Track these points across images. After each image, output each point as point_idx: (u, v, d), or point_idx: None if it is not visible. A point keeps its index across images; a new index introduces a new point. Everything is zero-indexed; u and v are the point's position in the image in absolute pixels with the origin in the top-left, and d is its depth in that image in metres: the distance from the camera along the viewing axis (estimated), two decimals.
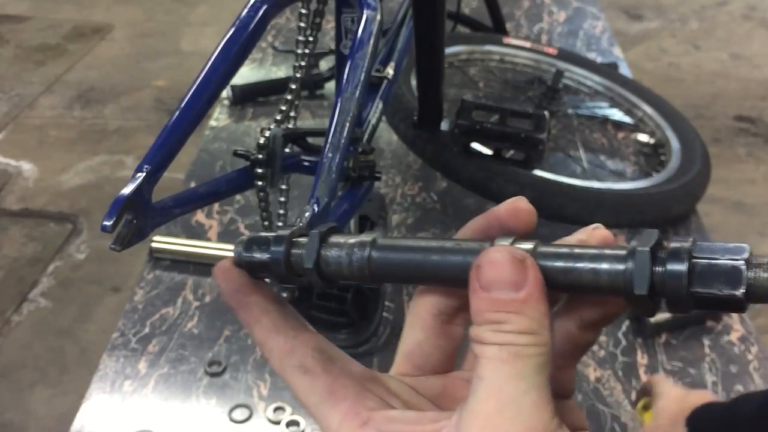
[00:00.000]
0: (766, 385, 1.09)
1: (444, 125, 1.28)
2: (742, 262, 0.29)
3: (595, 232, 0.35)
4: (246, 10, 0.75)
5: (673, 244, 0.31)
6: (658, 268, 0.30)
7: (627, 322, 1.17)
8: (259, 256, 0.39)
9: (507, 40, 1.74)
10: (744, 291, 0.29)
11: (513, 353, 0.30)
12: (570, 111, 1.64)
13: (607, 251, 0.32)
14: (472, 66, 1.73)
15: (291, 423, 1.01)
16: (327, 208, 0.92)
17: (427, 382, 0.38)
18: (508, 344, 0.30)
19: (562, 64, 1.68)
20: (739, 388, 1.08)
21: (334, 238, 0.37)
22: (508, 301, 0.30)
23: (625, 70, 1.85)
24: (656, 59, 3.31)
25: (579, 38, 2.04)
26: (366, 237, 0.36)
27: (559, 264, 0.32)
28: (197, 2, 3.84)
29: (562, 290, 0.33)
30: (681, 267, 0.30)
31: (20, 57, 3.40)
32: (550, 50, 1.72)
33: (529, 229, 0.35)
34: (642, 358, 1.11)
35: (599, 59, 1.89)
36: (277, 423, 1.01)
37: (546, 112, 1.17)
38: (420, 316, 0.38)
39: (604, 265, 0.31)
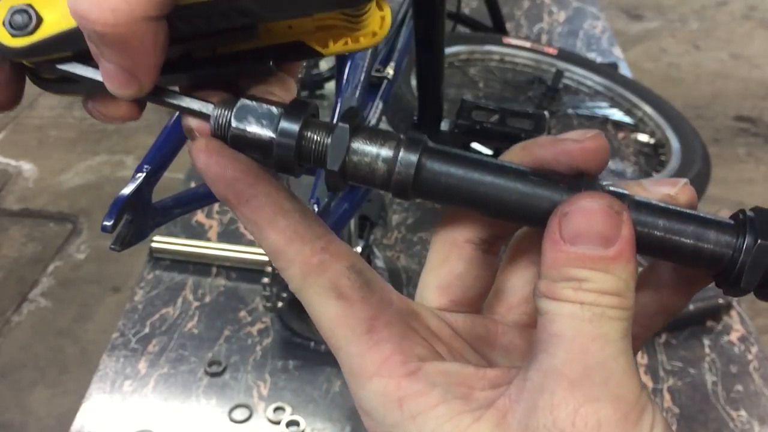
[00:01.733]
0: (766, 385, 1.09)
1: (444, 125, 1.28)
2: None
3: (685, 189, 0.30)
4: None
5: None
6: None
7: None
8: (258, 131, 0.28)
9: (507, 40, 1.74)
10: None
11: (597, 314, 0.26)
12: (570, 111, 1.64)
13: (711, 217, 0.28)
14: (472, 66, 1.73)
15: (291, 423, 1.01)
16: (327, 208, 0.92)
17: (466, 322, 0.33)
18: (592, 304, 0.26)
19: (562, 64, 1.68)
20: (739, 388, 1.08)
21: (366, 128, 0.29)
22: (595, 258, 0.26)
23: (625, 70, 1.85)
24: (656, 59, 3.31)
25: (579, 38, 2.04)
26: (414, 136, 0.29)
27: (661, 223, 0.28)
28: None
29: (653, 253, 0.28)
30: None
31: None
32: (550, 50, 1.72)
33: (602, 170, 0.30)
34: (642, 358, 1.11)
35: (599, 59, 1.89)
36: (277, 423, 1.01)
37: (546, 112, 1.17)
38: (457, 245, 0.33)
39: (711, 233, 0.28)
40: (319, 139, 0.28)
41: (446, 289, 0.33)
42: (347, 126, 0.28)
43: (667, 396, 1.06)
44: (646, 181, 0.30)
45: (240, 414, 1.02)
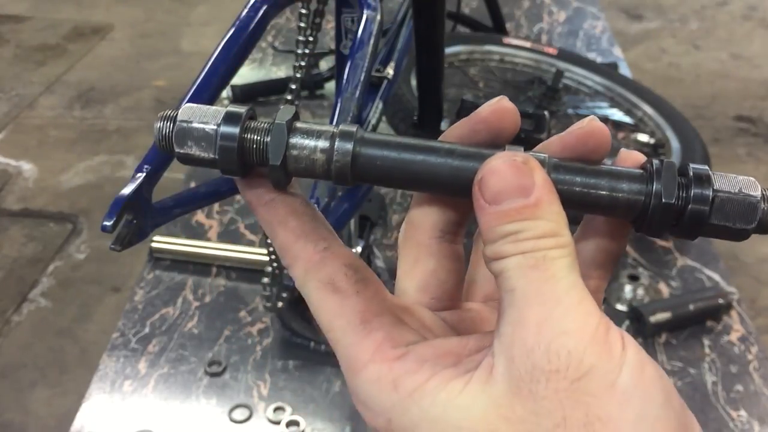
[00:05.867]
0: (766, 385, 1.09)
1: (444, 125, 1.28)
2: (758, 198, 0.30)
3: (592, 122, 0.32)
4: (246, 10, 0.75)
5: (695, 170, 0.30)
6: (681, 192, 0.30)
7: (627, 322, 1.17)
8: (200, 125, 0.31)
9: (507, 40, 1.73)
10: (755, 225, 0.30)
11: (540, 257, 0.28)
12: (570, 111, 1.63)
13: (624, 170, 0.31)
14: (472, 66, 1.73)
15: (291, 423, 1.01)
16: (327, 208, 0.92)
17: (453, 317, 0.35)
18: (532, 251, 0.28)
19: (562, 64, 1.68)
20: (739, 388, 1.08)
21: (301, 125, 0.31)
22: (520, 209, 0.28)
23: (625, 70, 1.84)
24: (656, 59, 3.31)
25: (579, 38, 2.04)
26: (346, 127, 0.31)
27: (578, 179, 0.30)
28: (197, 2, 3.84)
29: (574, 208, 0.31)
30: (706, 198, 0.29)
31: (20, 57, 3.40)
32: (550, 50, 1.72)
33: (516, 128, 0.32)
34: None
35: (599, 59, 1.89)
36: (277, 423, 1.01)
37: (546, 112, 1.17)
38: (423, 243, 0.34)
39: (624, 184, 0.30)
40: (259, 138, 0.31)
41: (425, 289, 0.35)
42: (284, 122, 0.30)
43: None
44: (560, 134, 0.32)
45: (240, 414, 1.02)
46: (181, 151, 0.31)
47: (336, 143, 0.30)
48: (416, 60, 1.16)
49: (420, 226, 0.35)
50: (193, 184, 1.38)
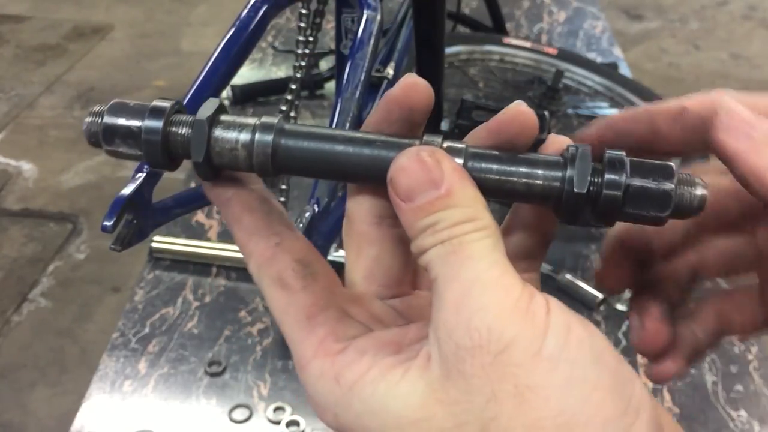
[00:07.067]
0: (766, 385, 1.09)
1: (444, 125, 1.28)
2: (672, 186, 0.30)
3: (518, 105, 0.31)
4: (246, 10, 0.75)
5: (609, 156, 0.30)
6: (596, 179, 0.30)
7: (627, 322, 1.17)
8: (126, 122, 0.31)
9: (507, 40, 1.74)
10: (669, 213, 0.30)
11: (457, 243, 0.28)
12: (570, 111, 1.64)
13: (541, 157, 0.31)
14: (472, 66, 1.73)
15: (291, 423, 1.01)
16: (327, 208, 0.92)
17: (403, 304, 0.35)
18: (449, 238, 0.28)
19: (562, 64, 1.68)
20: (739, 388, 1.08)
21: (225, 118, 0.31)
22: (432, 202, 0.28)
23: (625, 70, 1.85)
24: (656, 59, 3.31)
25: (579, 38, 2.04)
26: (267, 119, 0.31)
27: (495, 167, 0.30)
28: (197, 2, 3.84)
29: (492, 195, 0.31)
30: (619, 184, 0.29)
31: (20, 57, 3.40)
32: (550, 50, 1.72)
33: (430, 104, 0.32)
34: (642, 358, 1.11)
35: (599, 59, 1.89)
36: (277, 423, 1.01)
37: (546, 112, 1.17)
38: (362, 232, 0.35)
39: (540, 171, 0.30)
40: (183, 131, 0.31)
41: (370, 277, 0.35)
42: (204, 119, 0.30)
43: (667, 396, 1.06)
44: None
45: (240, 414, 1.02)
46: (110, 147, 0.31)
47: (256, 136, 0.31)
48: (416, 60, 1.16)
49: (357, 216, 0.35)
50: (193, 185, 1.38)
